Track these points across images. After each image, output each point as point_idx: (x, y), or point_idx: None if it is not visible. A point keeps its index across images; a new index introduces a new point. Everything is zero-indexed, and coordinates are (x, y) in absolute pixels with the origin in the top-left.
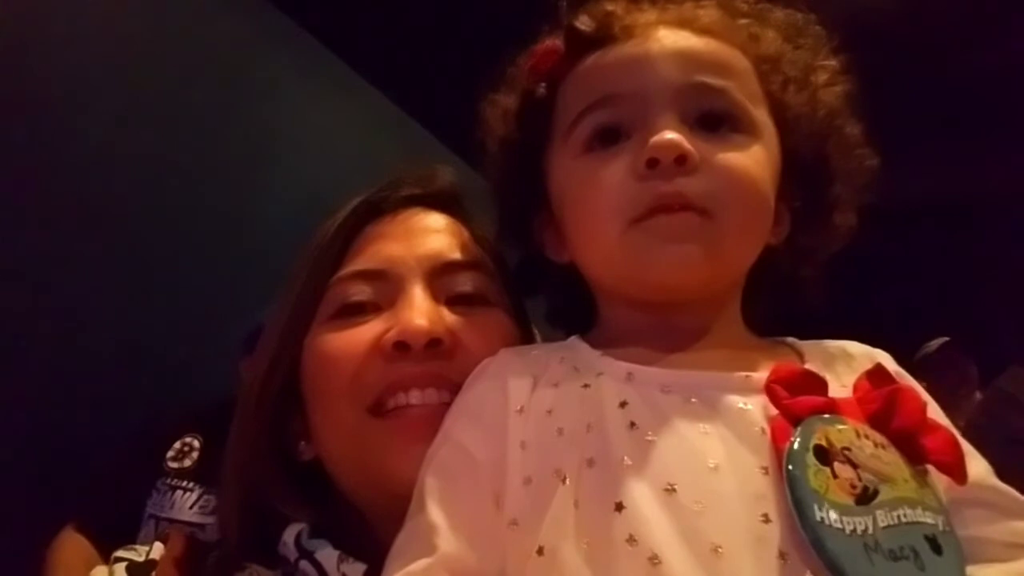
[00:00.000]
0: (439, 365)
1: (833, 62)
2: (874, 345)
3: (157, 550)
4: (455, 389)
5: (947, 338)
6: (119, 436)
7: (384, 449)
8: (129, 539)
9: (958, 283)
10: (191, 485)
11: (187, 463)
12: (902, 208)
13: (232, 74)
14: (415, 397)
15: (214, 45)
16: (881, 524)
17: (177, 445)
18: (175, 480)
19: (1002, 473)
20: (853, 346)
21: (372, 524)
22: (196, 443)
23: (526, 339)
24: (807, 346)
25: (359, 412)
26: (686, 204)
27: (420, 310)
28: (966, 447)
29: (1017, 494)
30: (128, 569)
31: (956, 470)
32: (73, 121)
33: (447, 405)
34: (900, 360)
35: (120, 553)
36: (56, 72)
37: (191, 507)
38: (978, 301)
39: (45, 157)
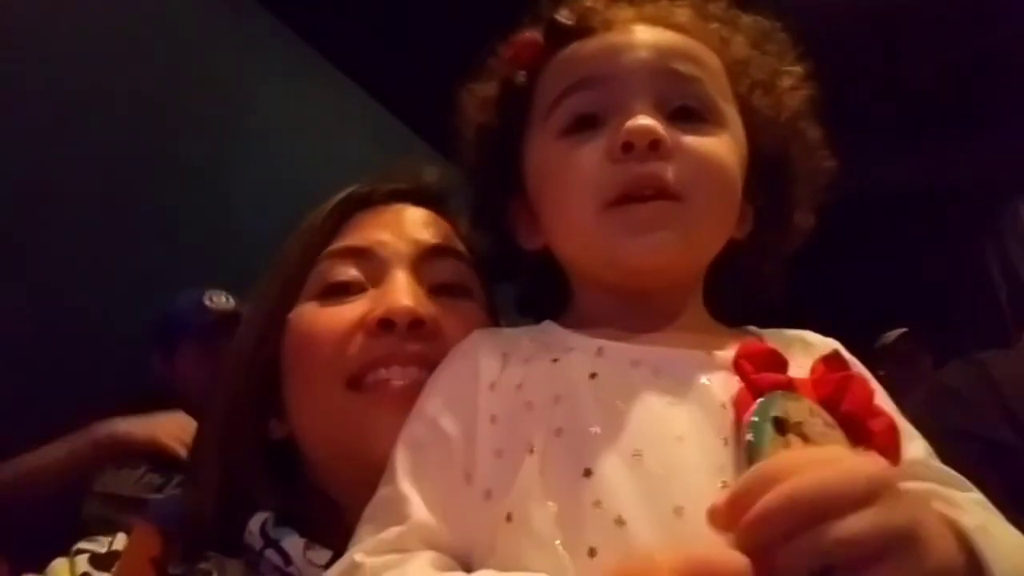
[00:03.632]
0: (421, 345)
1: (797, 68)
2: (836, 329)
3: (120, 541)
4: (435, 369)
5: (905, 329)
6: (84, 407)
7: (361, 422)
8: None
9: (922, 272)
10: (136, 462)
11: None
12: (871, 195)
13: (204, 64)
14: (396, 374)
15: (186, 33)
16: None
17: None
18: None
19: (951, 467)
20: (811, 336)
21: (340, 507)
22: None
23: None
24: (767, 334)
25: (338, 385)
26: (660, 188)
27: (405, 291)
28: (908, 430)
29: (950, 470)
30: (91, 561)
31: (893, 454)
32: (43, 106)
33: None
34: (859, 347)
35: (82, 544)
36: (29, 62)
37: (136, 482)
38: (940, 291)
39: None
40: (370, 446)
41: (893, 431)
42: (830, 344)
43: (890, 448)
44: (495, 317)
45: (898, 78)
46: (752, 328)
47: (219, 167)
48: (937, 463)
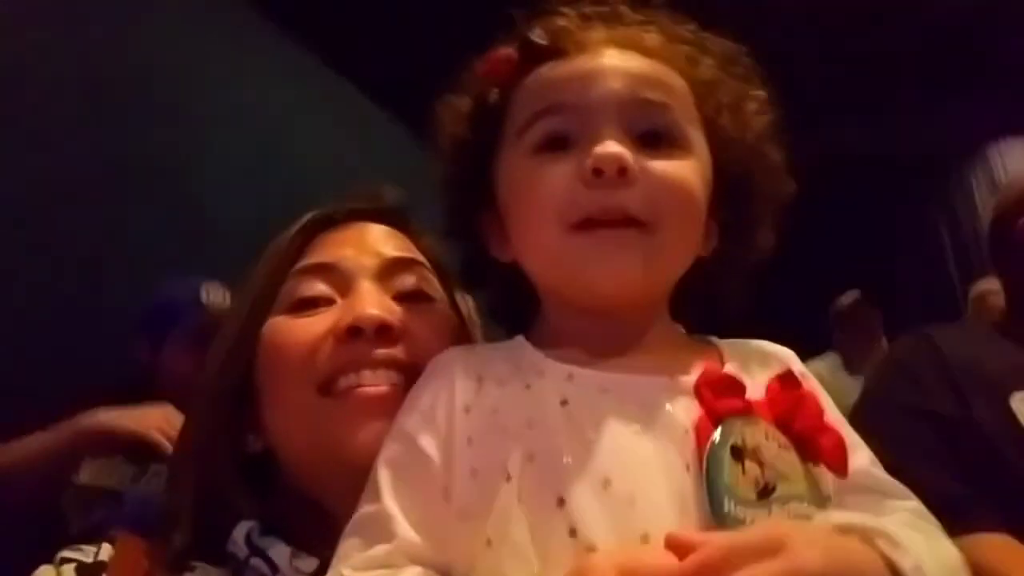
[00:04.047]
0: (390, 350)
1: (761, 92)
2: (790, 290)
3: (105, 551)
4: (405, 370)
5: (858, 292)
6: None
7: (335, 426)
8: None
9: (872, 235)
10: (110, 452)
11: None
12: (822, 160)
13: (173, 50)
14: (367, 378)
15: (156, 21)
16: (773, 515)
17: None
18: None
19: (898, 444)
20: (768, 347)
21: (325, 511)
22: None
23: (465, 333)
24: (727, 345)
25: (310, 391)
26: (626, 217)
27: (371, 300)
28: (853, 440)
29: (891, 479)
30: (78, 571)
31: (840, 469)
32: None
33: (396, 387)
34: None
35: (66, 553)
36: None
37: (111, 474)
38: (889, 253)
39: None
40: (345, 451)
41: (841, 447)
42: (785, 357)
43: (838, 462)
44: (463, 321)
45: (849, 48)
46: (713, 339)
47: (188, 152)
48: (879, 472)
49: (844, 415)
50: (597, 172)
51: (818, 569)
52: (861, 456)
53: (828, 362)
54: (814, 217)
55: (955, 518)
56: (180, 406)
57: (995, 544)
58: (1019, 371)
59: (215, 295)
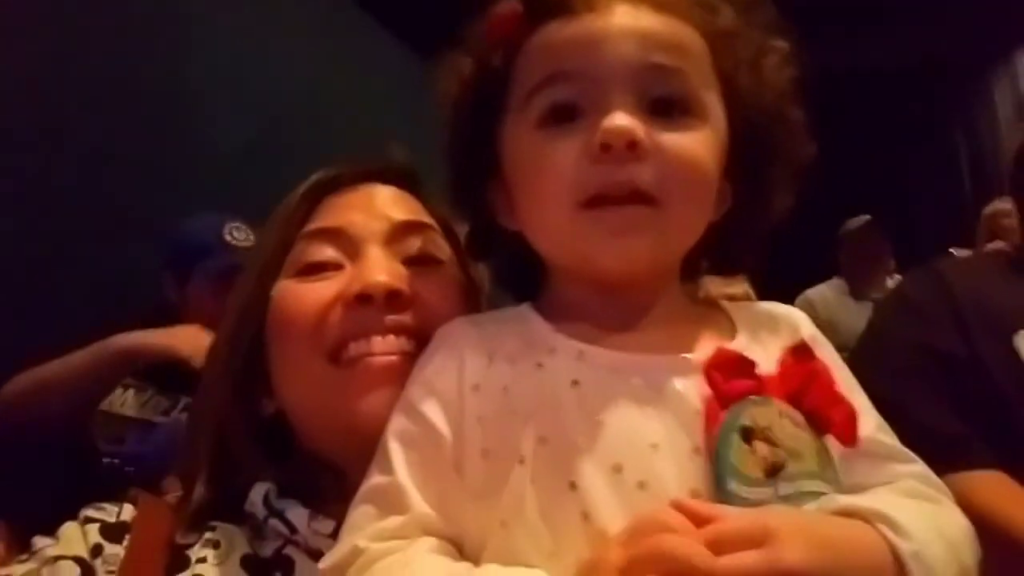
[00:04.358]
0: (399, 316)
1: (783, 44)
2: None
3: (127, 511)
4: (415, 336)
5: (868, 217)
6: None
7: (345, 394)
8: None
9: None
10: (144, 385)
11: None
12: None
13: None
14: (377, 344)
15: None
16: (781, 493)
17: None
18: (129, 379)
19: (900, 379)
20: (777, 309)
21: (338, 472)
22: None
23: (475, 294)
24: (737, 312)
25: (319, 359)
26: (635, 192)
27: (380, 266)
28: (861, 405)
29: (896, 443)
30: (102, 531)
31: (850, 440)
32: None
33: (407, 353)
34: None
35: (89, 512)
36: None
37: (143, 405)
38: (903, 168)
39: None
40: (355, 418)
41: (851, 419)
42: (795, 322)
43: (848, 435)
44: (473, 283)
45: None
46: (724, 304)
47: (187, 80)
48: (885, 437)
49: (849, 341)
50: (605, 148)
51: (799, 562)
52: (868, 421)
53: (834, 287)
54: (826, 133)
55: (952, 456)
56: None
57: (990, 482)
58: None
59: (239, 234)
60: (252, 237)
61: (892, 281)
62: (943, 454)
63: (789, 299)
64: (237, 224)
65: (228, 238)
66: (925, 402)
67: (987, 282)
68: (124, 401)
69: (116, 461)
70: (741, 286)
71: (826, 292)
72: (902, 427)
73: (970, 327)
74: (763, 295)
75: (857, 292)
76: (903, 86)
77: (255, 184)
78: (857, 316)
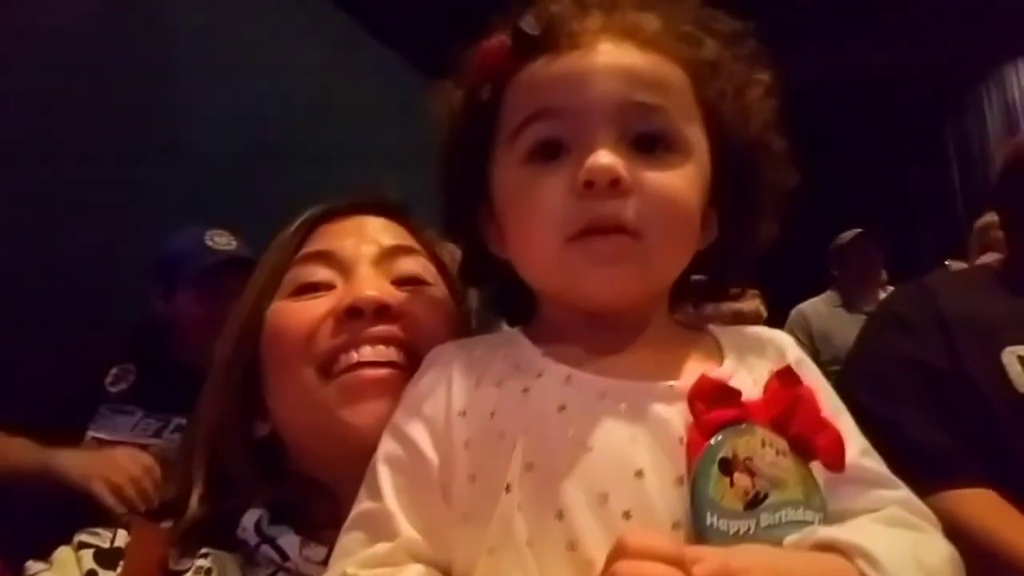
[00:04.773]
0: (388, 326)
1: (766, 76)
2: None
3: (121, 537)
4: (404, 347)
5: (860, 230)
6: (37, 358)
7: (336, 409)
8: None
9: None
10: (132, 408)
11: (124, 387)
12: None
13: None
14: (366, 354)
15: None
16: (763, 524)
17: (114, 371)
18: (117, 404)
19: (888, 394)
20: (764, 332)
21: (330, 493)
22: (132, 367)
23: (462, 318)
24: (725, 336)
25: (310, 372)
26: (619, 226)
27: (369, 283)
28: (846, 429)
29: (881, 467)
30: (96, 557)
31: (836, 465)
32: None
33: (396, 364)
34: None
35: (83, 538)
36: None
37: (132, 428)
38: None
39: None
40: (346, 433)
41: (837, 444)
42: (782, 345)
43: (834, 461)
44: (459, 307)
45: None
46: (711, 328)
47: (175, 92)
48: (870, 462)
49: (843, 353)
50: (588, 185)
51: None
52: (852, 446)
53: (827, 300)
54: (817, 146)
55: (940, 472)
56: (198, 353)
57: (979, 500)
58: (1013, 323)
59: (220, 238)
60: (234, 242)
61: (885, 293)
62: (932, 470)
63: (783, 312)
64: (219, 231)
65: (209, 243)
66: (914, 417)
67: (975, 297)
68: (116, 426)
69: None
70: (753, 302)
71: (819, 305)
72: (891, 442)
73: (957, 342)
74: None
75: (850, 304)
76: (895, 98)
77: (243, 196)
78: (851, 329)
